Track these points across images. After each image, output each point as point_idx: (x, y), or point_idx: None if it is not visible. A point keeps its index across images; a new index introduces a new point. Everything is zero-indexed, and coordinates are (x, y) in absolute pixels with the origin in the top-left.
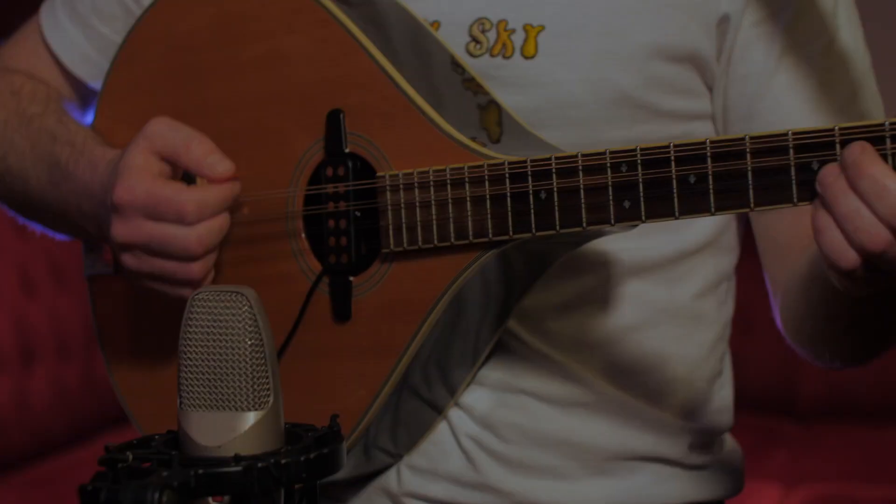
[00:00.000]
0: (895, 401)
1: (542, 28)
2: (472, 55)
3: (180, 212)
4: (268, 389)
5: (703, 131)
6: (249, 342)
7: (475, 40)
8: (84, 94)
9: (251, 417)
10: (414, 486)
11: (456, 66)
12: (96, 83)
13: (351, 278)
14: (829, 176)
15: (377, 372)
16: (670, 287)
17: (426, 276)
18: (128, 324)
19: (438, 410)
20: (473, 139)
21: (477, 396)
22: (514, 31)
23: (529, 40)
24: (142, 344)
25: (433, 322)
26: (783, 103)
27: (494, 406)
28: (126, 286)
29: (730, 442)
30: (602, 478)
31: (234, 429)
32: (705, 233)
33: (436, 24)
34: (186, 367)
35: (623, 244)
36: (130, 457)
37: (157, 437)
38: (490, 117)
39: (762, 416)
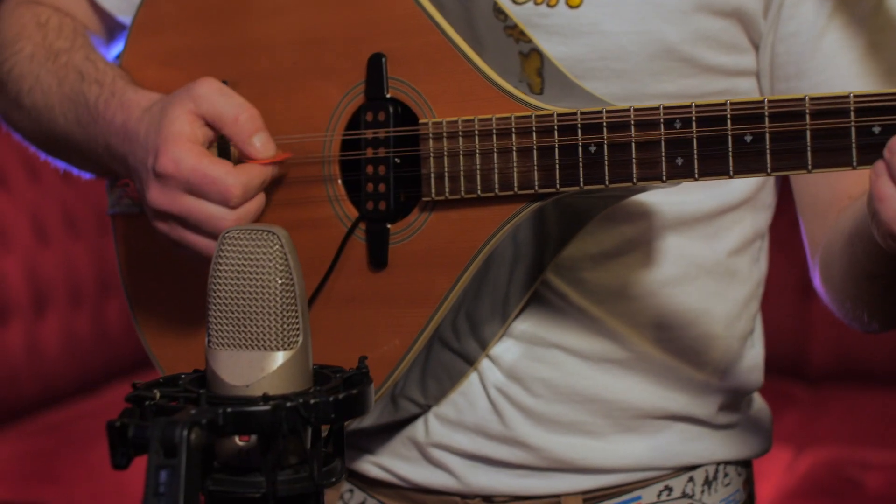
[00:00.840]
0: None
1: None
2: (515, 2)
3: (226, 195)
4: (297, 329)
5: (746, 87)
6: (280, 281)
7: None
8: (111, 28)
9: (280, 357)
10: (441, 436)
11: (498, 11)
12: (125, 17)
13: (388, 225)
14: None
15: (413, 322)
16: (707, 242)
17: (468, 227)
18: (152, 264)
19: (470, 362)
20: (518, 88)
21: (505, 347)
22: None
23: None
24: (166, 284)
25: (472, 273)
26: (833, 63)
27: (522, 358)
28: (150, 226)
29: (759, 401)
30: (630, 435)
31: (263, 368)
32: (745, 189)
33: None
34: (215, 305)
35: (663, 197)
36: (158, 394)
37: (183, 375)
38: (531, 66)
39: (772, 379)
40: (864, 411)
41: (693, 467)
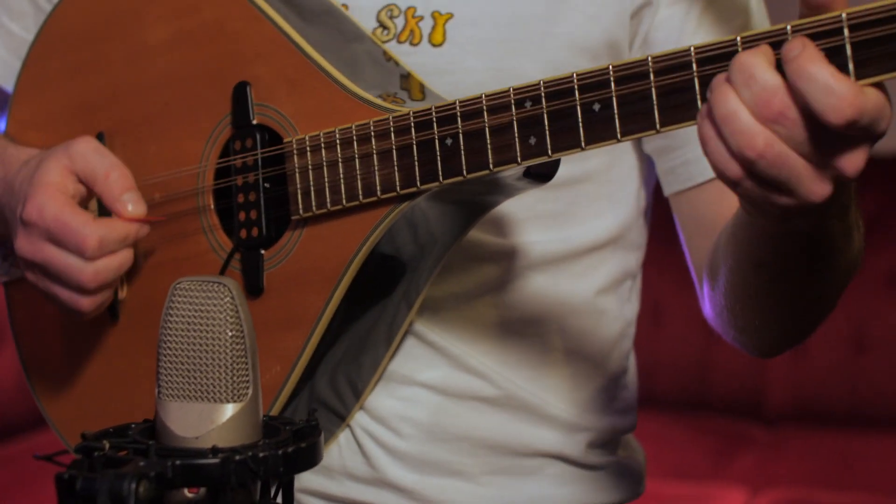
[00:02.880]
0: (862, 407)
1: (451, 16)
2: (382, 40)
3: (81, 245)
4: (247, 381)
5: None
6: (230, 333)
7: (382, 26)
8: (2, 100)
9: (230, 409)
10: (310, 482)
11: (375, 41)
12: (8, 85)
13: (262, 251)
14: (716, 80)
15: (290, 346)
16: (573, 281)
17: (336, 240)
18: (43, 328)
19: (357, 394)
20: (394, 95)
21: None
22: (422, 17)
23: (437, 28)
24: (57, 348)
25: (345, 288)
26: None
27: (385, 397)
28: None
29: (633, 443)
30: (501, 477)
31: (213, 420)
32: (610, 229)
33: (344, 7)
34: (166, 356)
35: (527, 237)
36: (107, 445)
37: (133, 425)
38: (413, 85)
39: (730, 419)
40: (822, 452)
41: None
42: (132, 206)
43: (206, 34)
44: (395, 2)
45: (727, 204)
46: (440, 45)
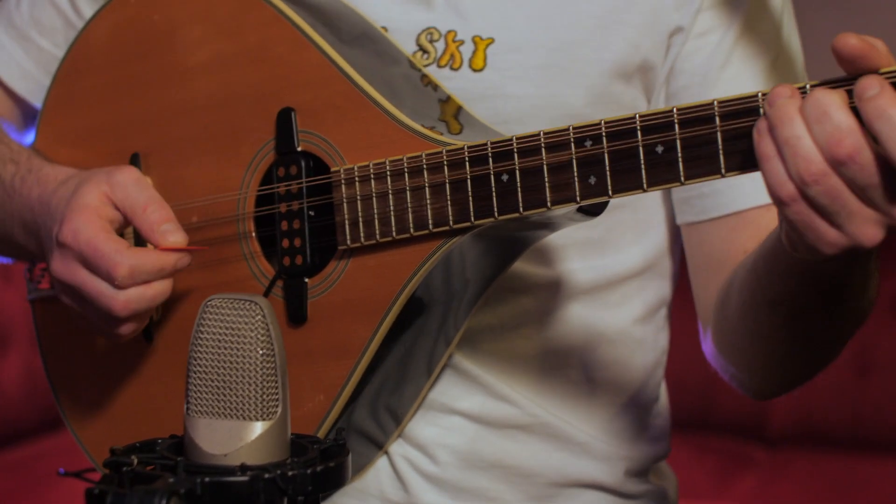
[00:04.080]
0: (865, 430)
1: (492, 41)
2: (421, 64)
3: (111, 272)
4: (277, 400)
5: None
6: (261, 351)
7: (423, 49)
8: (25, 113)
9: (258, 427)
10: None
11: (412, 65)
12: (38, 102)
13: (306, 280)
14: (780, 96)
15: (336, 375)
16: (610, 311)
17: (385, 272)
18: (73, 347)
19: (397, 422)
20: (432, 129)
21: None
22: (462, 42)
23: (478, 52)
24: (87, 368)
25: (393, 319)
26: (738, 84)
27: (424, 424)
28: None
29: (666, 470)
30: None
31: (241, 438)
32: (644, 257)
33: (383, 30)
34: (196, 373)
35: (565, 265)
36: (135, 461)
37: (160, 440)
38: (450, 111)
39: (732, 440)
40: (824, 475)
41: None
42: (171, 236)
43: (250, 58)
44: (435, 25)
45: (738, 244)
46: (481, 70)
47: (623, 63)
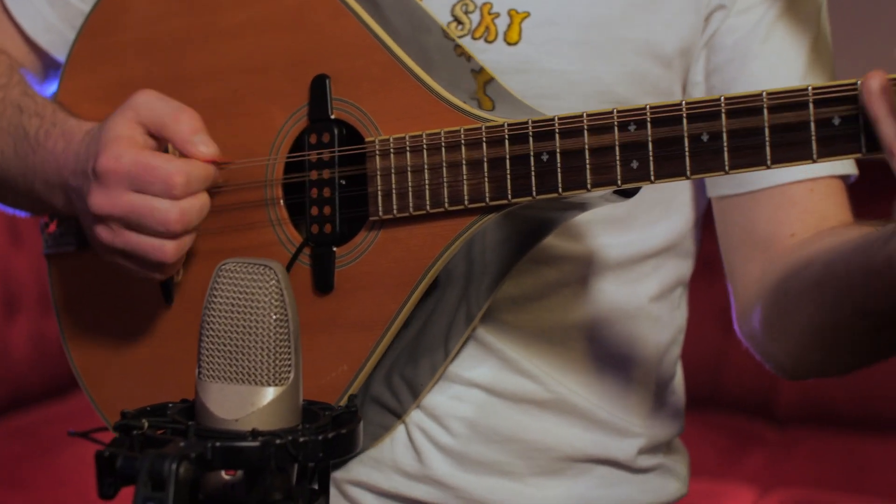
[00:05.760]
0: (874, 409)
1: (528, 15)
2: (455, 35)
3: (168, 182)
4: (289, 365)
5: None
6: (275, 316)
7: (457, 20)
8: (46, 66)
9: (270, 393)
10: (358, 473)
11: (446, 34)
12: (60, 55)
13: (334, 248)
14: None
15: (360, 346)
16: (629, 287)
17: (416, 244)
18: (89, 305)
19: (415, 395)
20: (467, 103)
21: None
22: (498, 14)
23: (514, 26)
24: (103, 327)
25: (421, 293)
26: (778, 67)
27: (440, 395)
28: (88, 265)
29: (678, 445)
30: (549, 478)
31: (253, 403)
32: (667, 236)
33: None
34: (208, 337)
35: (588, 242)
36: (146, 424)
37: (171, 405)
38: (482, 82)
39: (741, 417)
40: (832, 454)
41: None
42: (203, 146)
43: (286, 22)
44: None
45: (785, 225)
46: (515, 43)
47: (659, 44)
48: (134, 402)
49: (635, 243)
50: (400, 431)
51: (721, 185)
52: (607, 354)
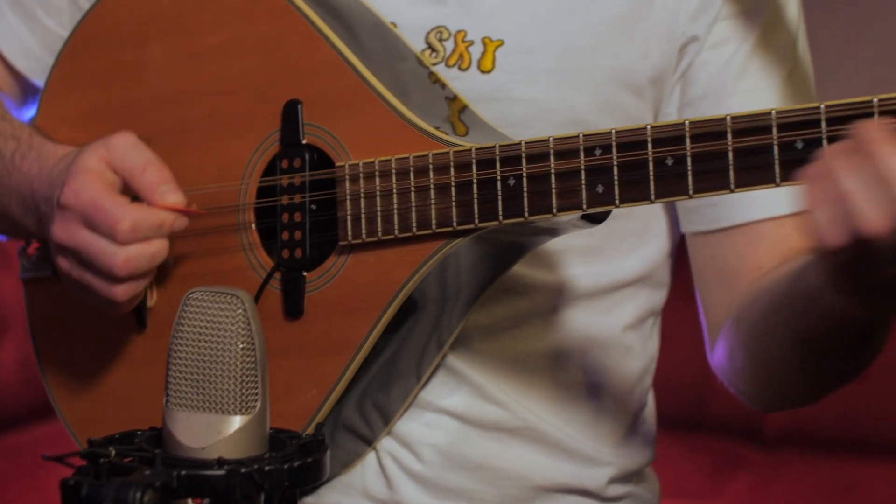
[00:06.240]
0: (862, 432)
1: (501, 43)
2: (430, 62)
3: (113, 227)
4: (256, 394)
5: None
6: (241, 345)
7: (431, 48)
8: (25, 90)
9: (237, 421)
10: (329, 499)
11: (420, 62)
12: (39, 79)
13: (305, 273)
14: (833, 150)
15: (330, 370)
16: (602, 316)
17: (385, 269)
18: (64, 329)
19: (386, 421)
20: (438, 128)
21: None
22: (472, 42)
23: (487, 54)
24: (78, 351)
25: (390, 317)
26: (754, 97)
27: (411, 422)
28: (63, 289)
29: (649, 475)
30: None
31: (220, 431)
32: (640, 266)
33: (392, 25)
34: (175, 366)
35: (561, 272)
36: (113, 452)
37: (139, 432)
38: (456, 109)
39: (727, 440)
40: (818, 477)
41: None
42: (170, 196)
43: (260, 47)
44: (445, 24)
45: (753, 259)
46: (489, 72)
47: (632, 72)
48: (107, 426)
49: (608, 273)
50: (371, 458)
51: (694, 221)
52: (579, 383)
